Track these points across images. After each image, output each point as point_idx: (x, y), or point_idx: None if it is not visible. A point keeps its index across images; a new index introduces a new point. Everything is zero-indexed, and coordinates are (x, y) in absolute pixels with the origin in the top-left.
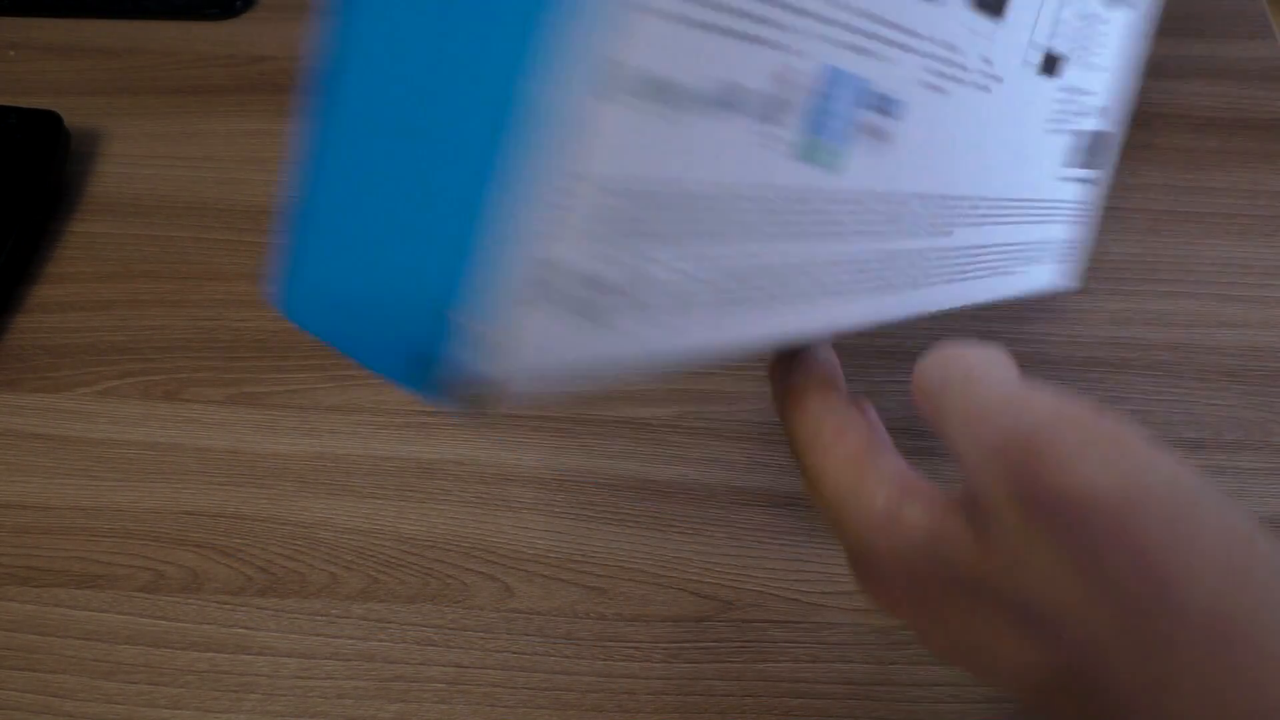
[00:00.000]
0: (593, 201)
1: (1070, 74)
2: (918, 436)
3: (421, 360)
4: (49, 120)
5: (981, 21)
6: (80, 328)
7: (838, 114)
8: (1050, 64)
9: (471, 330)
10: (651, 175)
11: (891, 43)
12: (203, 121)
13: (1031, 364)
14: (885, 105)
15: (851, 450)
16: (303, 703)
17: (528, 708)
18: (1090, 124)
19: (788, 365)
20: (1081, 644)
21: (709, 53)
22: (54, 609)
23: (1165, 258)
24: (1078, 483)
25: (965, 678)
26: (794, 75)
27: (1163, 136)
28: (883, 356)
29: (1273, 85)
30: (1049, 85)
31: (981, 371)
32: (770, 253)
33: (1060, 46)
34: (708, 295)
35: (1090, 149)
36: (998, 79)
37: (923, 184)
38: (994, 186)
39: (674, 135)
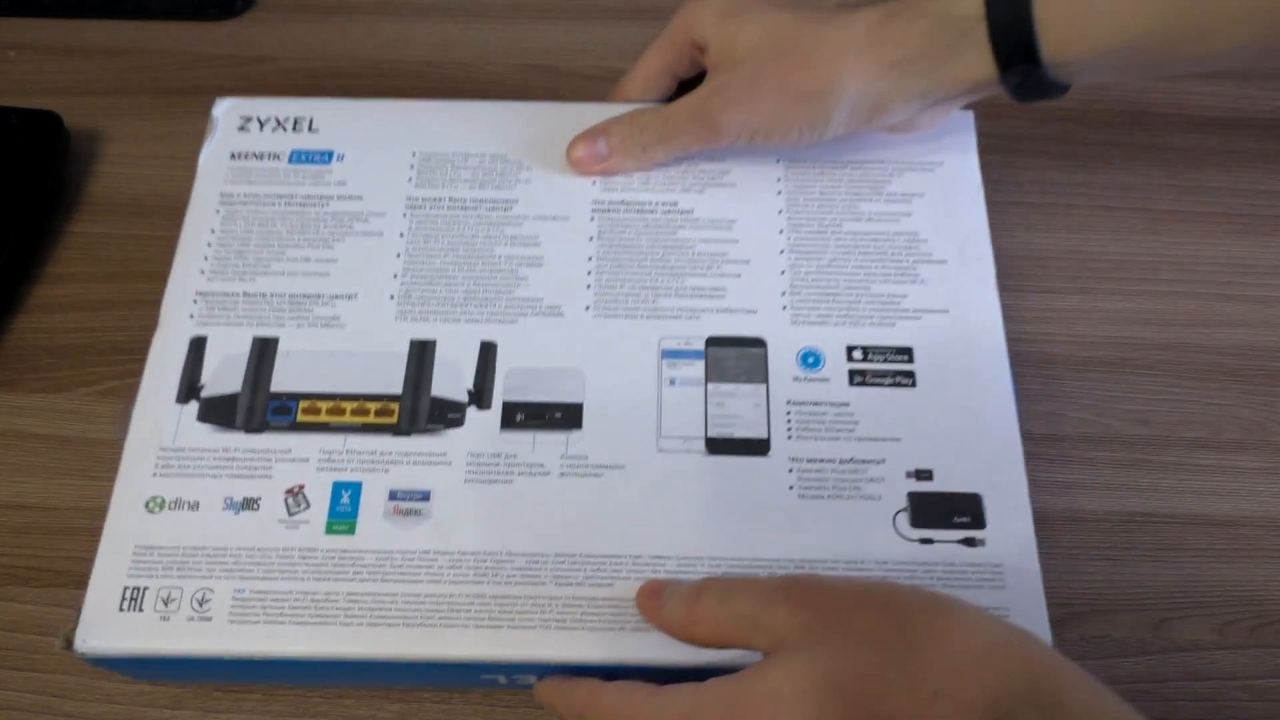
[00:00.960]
0: (153, 556)
1: (799, 449)
2: None
3: (68, 636)
4: (49, 121)
5: (539, 435)
6: (81, 328)
7: (349, 506)
8: (720, 446)
9: (81, 617)
10: (203, 544)
11: (392, 461)
12: (202, 121)
13: (1032, 365)
14: (409, 497)
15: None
16: (303, 703)
17: (527, 708)
18: (907, 486)
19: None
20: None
21: (237, 486)
22: (54, 609)
23: (1165, 258)
24: (831, 588)
25: None
26: (303, 490)
27: (1162, 136)
28: None
29: (1273, 85)
30: (749, 461)
31: (727, 585)
32: (303, 588)
33: (743, 432)
34: (257, 616)
35: (926, 510)
36: (615, 467)
37: (520, 545)
38: (716, 547)
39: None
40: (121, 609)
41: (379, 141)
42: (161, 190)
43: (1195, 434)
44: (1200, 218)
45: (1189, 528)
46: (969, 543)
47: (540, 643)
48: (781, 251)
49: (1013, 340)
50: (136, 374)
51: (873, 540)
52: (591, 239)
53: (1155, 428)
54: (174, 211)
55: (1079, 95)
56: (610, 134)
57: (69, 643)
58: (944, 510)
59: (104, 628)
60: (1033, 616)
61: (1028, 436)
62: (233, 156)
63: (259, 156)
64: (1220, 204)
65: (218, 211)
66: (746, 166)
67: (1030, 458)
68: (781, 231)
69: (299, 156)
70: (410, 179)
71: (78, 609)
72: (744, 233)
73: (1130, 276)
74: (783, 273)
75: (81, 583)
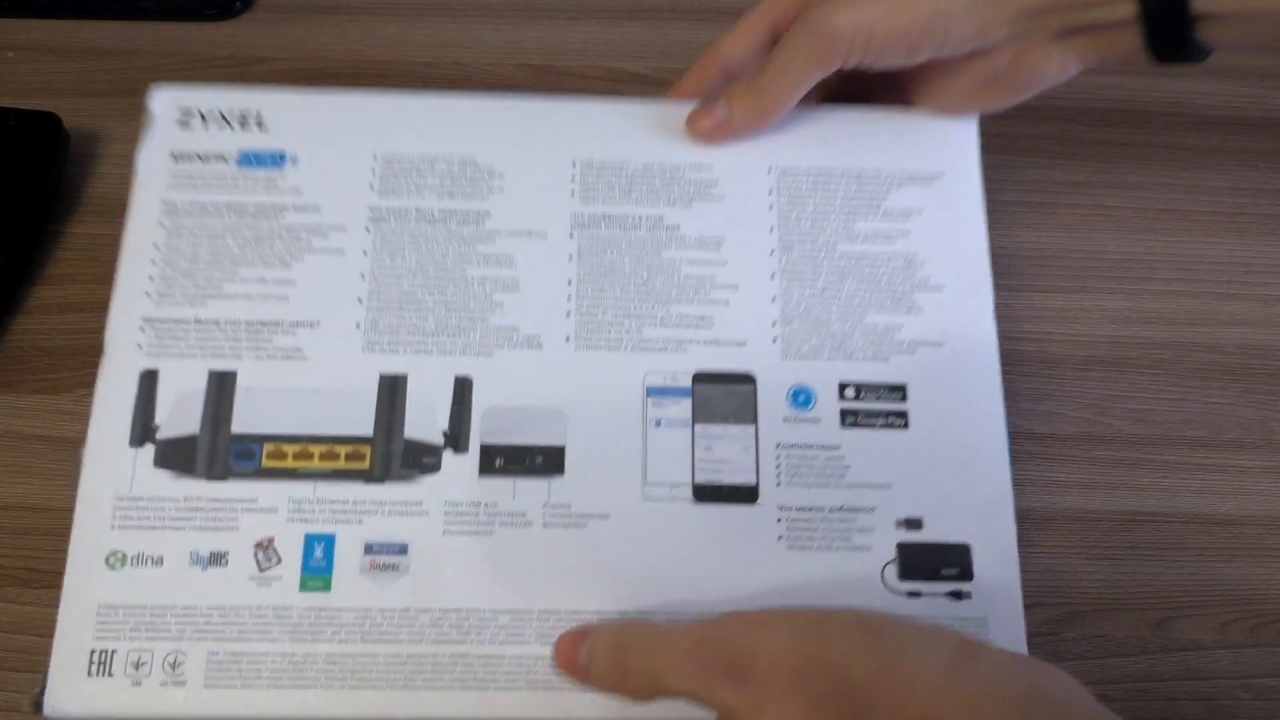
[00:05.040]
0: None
1: (788, 496)
2: None
3: (36, 698)
4: (48, 121)
5: (519, 481)
6: (80, 329)
7: (323, 561)
8: (708, 493)
9: (48, 679)
10: (171, 603)
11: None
12: None
13: (1032, 364)
14: (386, 550)
15: None
16: None
17: None
18: (896, 537)
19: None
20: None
21: (203, 539)
22: (54, 610)
23: (1165, 257)
24: (767, 655)
25: None
26: (273, 543)
27: (1162, 135)
28: None
29: (1272, 84)
30: (737, 509)
31: (652, 640)
32: (280, 649)
33: (732, 478)
34: (234, 680)
35: (915, 562)
36: (600, 516)
37: (497, 602)
38: (702, 604)
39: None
40: (90, 673)
41: (335, 141)
42: None
43: (1196, 433)
44: (1200, 217)
45: (1189, 527)
46: (956, 595)
47: (527, 705)
48: (772, 276)
49: (1013, 340)
50: None
51: (860, 594)
52: (571, 258)
53: (1155, 427)
54: None
55: (1079, 95)
56: (728, 94)
57: (37, 705)
58: (933, 562)
59: (73, 692)
60: None
61: (1028, 436)
62: (174, 158)
63: (203, 158)
64: (1220, 204)
65: (161, 224)
66: (736, 177)
67: (1030, 457)
68: (773, 253)
69: (248, 159)
70: (372, 185)
71: (44, 670)
72: (733, 254)
73: (1130, 276)
74: (774, 299)
75: None
